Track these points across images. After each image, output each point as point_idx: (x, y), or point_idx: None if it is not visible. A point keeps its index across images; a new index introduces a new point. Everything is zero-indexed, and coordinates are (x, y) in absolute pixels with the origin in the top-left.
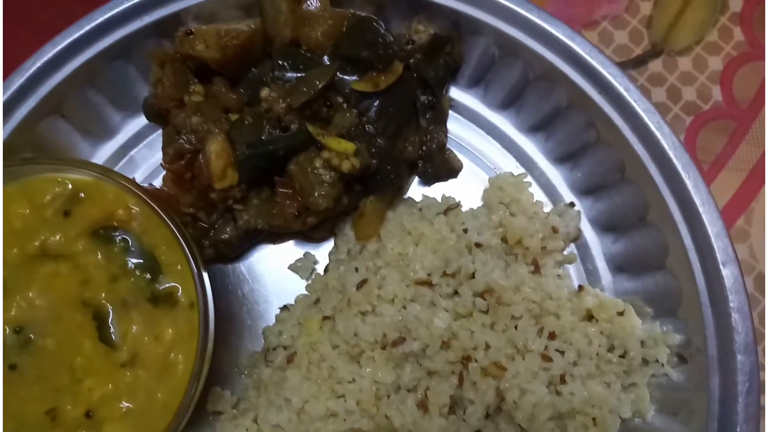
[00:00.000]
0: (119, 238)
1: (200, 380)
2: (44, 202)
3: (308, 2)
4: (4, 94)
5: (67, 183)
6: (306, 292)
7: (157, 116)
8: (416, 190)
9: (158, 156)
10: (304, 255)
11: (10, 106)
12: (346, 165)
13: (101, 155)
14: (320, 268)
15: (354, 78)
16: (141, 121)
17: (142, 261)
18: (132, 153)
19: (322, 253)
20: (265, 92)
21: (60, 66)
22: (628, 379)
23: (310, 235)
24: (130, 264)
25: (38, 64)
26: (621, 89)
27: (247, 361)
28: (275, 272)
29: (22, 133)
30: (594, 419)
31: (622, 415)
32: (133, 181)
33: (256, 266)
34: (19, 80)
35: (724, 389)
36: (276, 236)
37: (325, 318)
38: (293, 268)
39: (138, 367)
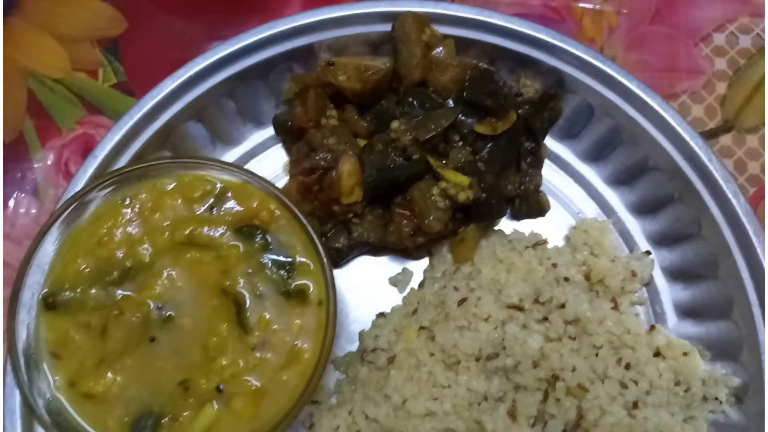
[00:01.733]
0: (259, 236)
1: (323, 369)
2: (194, 197)
3: (437, 50)
4: (157, 97)
5: (217, 182)
6: (401, 304)
7: (286, 132)
8: (504, 225)
9: (274, 167)
10: (403, 270)
11: (160, 107)
12: (462, 196)
13: (227, 159)
14: (414, 284)
15: (472, 120)
16: (264, 134)
17: (278, 259)
18: (252, 161)
19: (416, 269)
20: (395, 124)
21: (207, 78)
22: (689, 413)
23: (410, 253)
24: (267, 261)
25: (189, 74)
26: (704, 158)
27: (343, 360)
28: (373, 283)
29: (165, 131)
30: None
31: None
32: (275, 186)
33: (356, 275)
34: (171, 85)
35: None
36: (378, 250)
37: (422, 328)
38: (393, 280)
39: (268, 351)
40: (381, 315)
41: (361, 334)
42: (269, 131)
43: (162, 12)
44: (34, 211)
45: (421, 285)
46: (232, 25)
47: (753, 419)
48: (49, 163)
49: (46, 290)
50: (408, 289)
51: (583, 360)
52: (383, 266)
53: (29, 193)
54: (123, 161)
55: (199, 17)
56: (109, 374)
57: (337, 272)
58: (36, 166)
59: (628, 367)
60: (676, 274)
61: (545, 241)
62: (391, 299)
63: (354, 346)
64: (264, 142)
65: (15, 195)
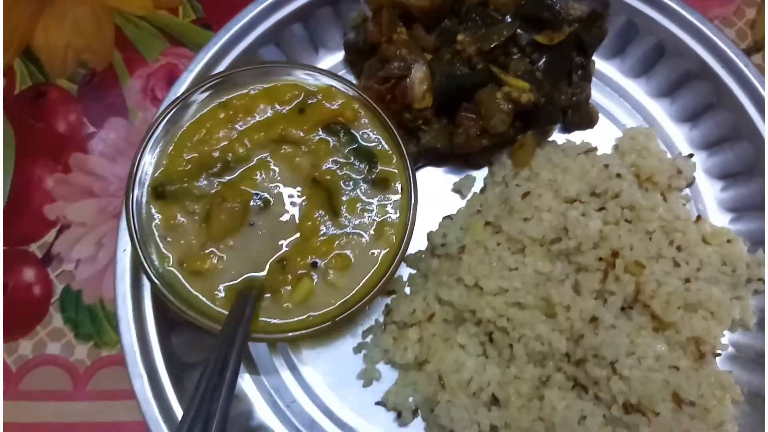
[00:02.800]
0: (345, 132)
1: (406, 247)
2: (284, 99)
3: None
4: (237, 24)
5: (303, 86)
6: (465, 207)
7: (356, 53)
8: (556, 138)
9: None
10: (465, 176)
11: (241, 34)
12: (524, 98)
13: None
14: (476, 190)
15: (529, 35)
16: (334, 59)
17: (362, 151)
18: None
19: (478, 177)
20: (461, 36)
21: (280, 8)
22: (735, 293)
23: (472, 161)
24: (352, 153)
25: (264, 5)
26: (742, 65)
27: (414, 257)
28: (437, 191)
29: (247, 54)
30: (712, 313)
31: (734, 316)
32: (357, 87)
33: (421, 183)
34: (247, 16)
35: None
36: (441, 160)
37: (487, 224)
38: (457, 185)
39: (357, 232)
40: (447, 217)
41: (430, 234)
42: (339, 56)
43: None
44: (123, 131)
45: (482, 190)
46: None
47: None
48: (137, 89)
49: (155, 181)
50: (471, 194)
51: (638, 241)
52: (446, 175)
53: (120, 115)
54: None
55: None
56: (214, 255)
57: None
58: (125, 92)
59: (679, 248)
60: (716, 176)
61: (595, 148)
62: (455, 205)
63: (423, 247)
64: (334, 67)
65: (108, 118)
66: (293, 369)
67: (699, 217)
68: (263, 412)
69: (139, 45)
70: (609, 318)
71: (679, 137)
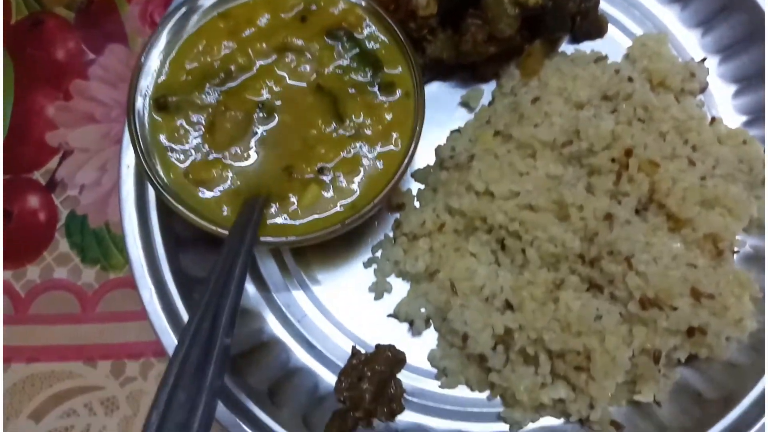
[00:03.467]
0: (348, 38)
1: (413, 152)
2: (286, 8)
3: None
4: None
5: None
6: (473, 119)
7: None
8: (566, 49)
9: None
10: (473, 88)
11: None
12: (532, 0)
13: None
14: (484, 103)
15: None
16: None
17: (367, 58)
18: None
19: (486, 90)
20: None
21: None
22: (753, 193)
23: (479, 72)
24: (357, 59)
25: None
26: None
27: (422, 171)
28: (444, 104)
29: None
30: (729, 210)
31: (751, 213)
32: None
33: (428, 97)
34: None
35: None
36: (448, 73)
37: (497, 133)
38: (465, 97)
39: (362, 140)
40: (455, 131)
41: (438, 147)
42: None
43: None
44: (122, 56)
45: (491, 102)
46: None
47: None
48: (135, 14)
49: (156, 92)
50: (479, 107)
51: (652, 141)
52: (453, 89)
53: (119, 41)
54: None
55: None
56: (219, 164)
57: None
58: (124, 18)
59: (694, 148)
60: (730, 80)
61: (606, 57)
62: (463, 118)
63: (431, 162)
64: None
65: (107, 44)
66: (304, 287)
67: (713, 119)
68: (275, 328)
69: None
70: (624, 214)
71: (692, 43)
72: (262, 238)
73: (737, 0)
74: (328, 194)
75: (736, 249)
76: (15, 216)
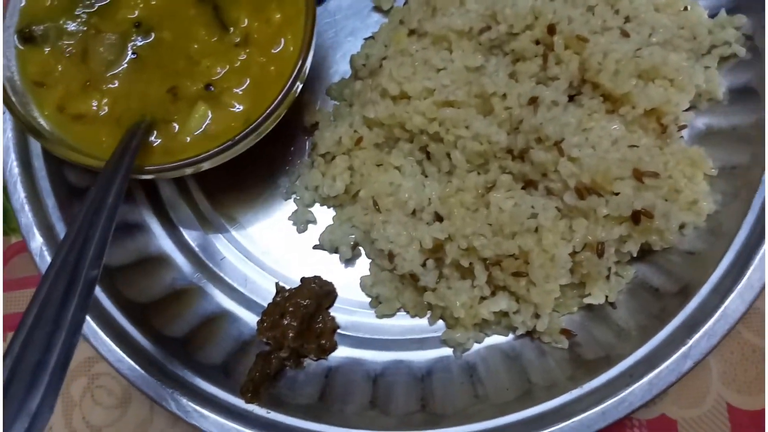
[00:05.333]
0: None
1: (306, 55)
2: None
3: None
4: None
5: None
6: (387, 22)
7: None
8: None
9: None
10: None
11: None
12: None
13: None
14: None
15: None
16: None
17: None
18: None
19: None
20: None
21: None
22: (700, 63)
23: None
24: None
25: None
26: None
27: (337, 86)
28: (358, 9)
29: None
30: (671, 81)
31: (697, 82)
32: None
33: (338, 7)
34: None
35: None
36: None
37: (411, 32)
38: (376, 3)
39: (251, 46)
40: (369, 38)
41: (352, 57)
42: None
43: None
44: None
45: (405, 2)
46: None
47: (764, 51)
48: None
49: (20, 23)
50: (392, 7)
51: (579, 15)
52: None
53: None
54: None
55: None
56: (96, 95)
57: (320, 8)
58: None
59: (627, 19)
60: None
61: None
62: (379, 23)
63: (347, 75)
64: None
65: None
66: (220, 227)
67: None
68: (189, 273)
69: None
70: (550, 95)
71: None
72: (147, 167)
73: None
74: (218, 114)
75: (683, 124)
76: None
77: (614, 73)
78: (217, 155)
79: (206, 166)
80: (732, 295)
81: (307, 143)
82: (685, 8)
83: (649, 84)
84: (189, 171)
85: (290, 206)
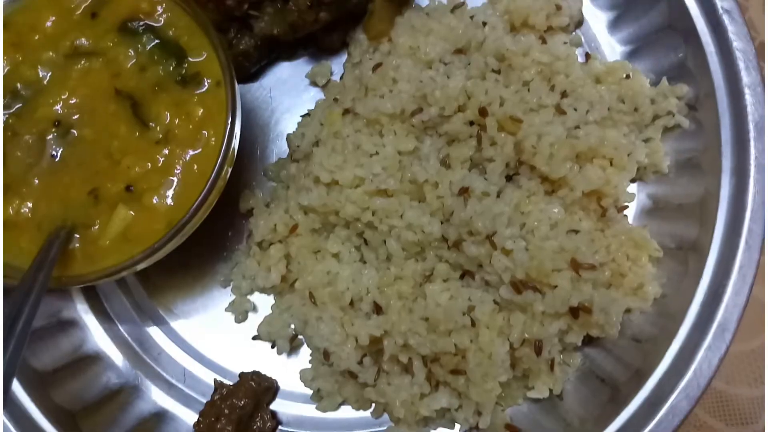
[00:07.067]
0: (144, 30)
1: (229, 151)
2: (71, 6)
3: None
4: None
5: None
6: (323, 100)
7: None
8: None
9: None
10: (319, 63)
11: None
12: None
13: None
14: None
15: None
16: None
17: (168, 49)
18: None
19: (337, 66)
20: None
21: None
22: (643, 135)
23: (323, 44)
24: (156, 53)
25: None
26: None
27: (274, 166)
28: (294, 85)
29: None
30: (610, 160)
31: (638, 158)
32: None
33: (274, 83)
34: None
35: (736, 131)
36: (291, 52)
37: (346, 112)
38: (310, 75)
39: (172, 144)
40: (306, 115)
41: (288, 137)
42: None
43: None
44: None
45: (342, 77)
46: None
47: (708, 122)
48: None
49: None
50: (328, 83)
51: (512, 94)
52: (302, 67)
53: None
54: None
55: None
56: (15, 199)
57: (256, 84)
58: None
59: (564, 94)
60: (606, 5)
61: (464, 3)
62: (315, 99)
63: (284, 154)
64: None
65: None
66: (158, 320)
67: (588, 56)
68: (125, 369)
69: None
70: (481, 186)
71: None
72: (65, 278)
73: None
74: (141, 217)
75: (624, 205)
76: None
77: (549, 156)
78: (139, 262)
79: (126, 273)
80: (686, 378)
81: (245, 226)
82: (627, 76)
83: (586, 165)
84: (109, 280)
85: (229, 294)
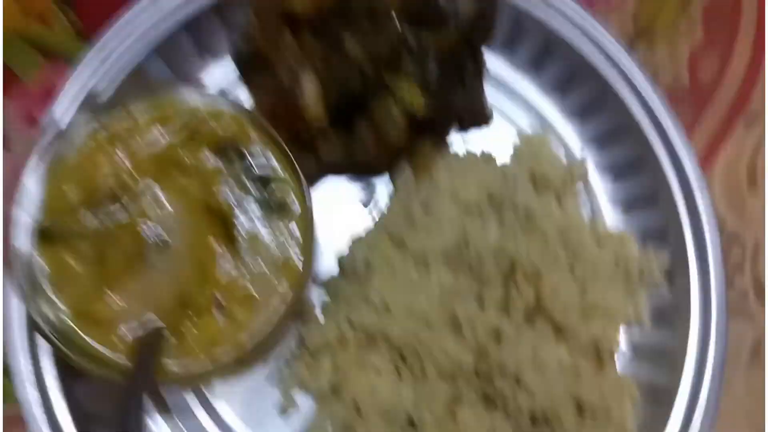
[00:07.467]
0: (238, 156)
1: (309, 275)
2: (172, 124)
3: None
4: (117, 35)
5: (192, 109)
6: (371, 221)
7: (245, 63)
8: (453, 137)
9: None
10: (368, 185)
11: (120, 45)
12: (417, 106)
13: None
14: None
15: (418, 37)
16: (222, 70)
17: (257, 176)
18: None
19: (380, 185)
20: (349, 41)
21: (165, 14)
22: (628, 291)
23: (373, 170)
24: (247, 178)
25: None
26: (625, 62)
27: (327, 283)
28: (341, 203)
29: (129, 68)
30: (608, 316)
31: (627, 314)
32: (246, 108)
33: (325, 199)
34: (130, 22)
35: (703, 289)
36: (342, 171)
37: (392, 239)
38: (360, 198)
39: (257, 262)
40: (355, 237)
41: (340, 259)
42: (226, 65)
43: None
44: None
45: (387, 201)
46: None
47: (680, 295)
48: (13, 113)
49: (38, 223)
50: (375, 206)
51: (536, 249)
52: (350, 186)
53: None
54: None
55: None
56: (110, 300)
57: None
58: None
59: (575, 253)
60: (607, 169)
61: (493, 157)
62: (361, 216)
63: (335, 271)
64: (222, 77)
65: None
66: (207, 406)
67: (592, 219)
68: None
69: (11, 63)
70: (512, 330)
71: (571, 131)
72: (160, 381)
73: (609, 96)
74: (226, 326)
75: (614, 354)
76: None
77: (563, 309)
78: (228, 371)
79: (215, 378)
80: None
81: (294, 332)
82: (621, 242)
83: (590, 319)
84: (197, 383)
85: (275, 389)
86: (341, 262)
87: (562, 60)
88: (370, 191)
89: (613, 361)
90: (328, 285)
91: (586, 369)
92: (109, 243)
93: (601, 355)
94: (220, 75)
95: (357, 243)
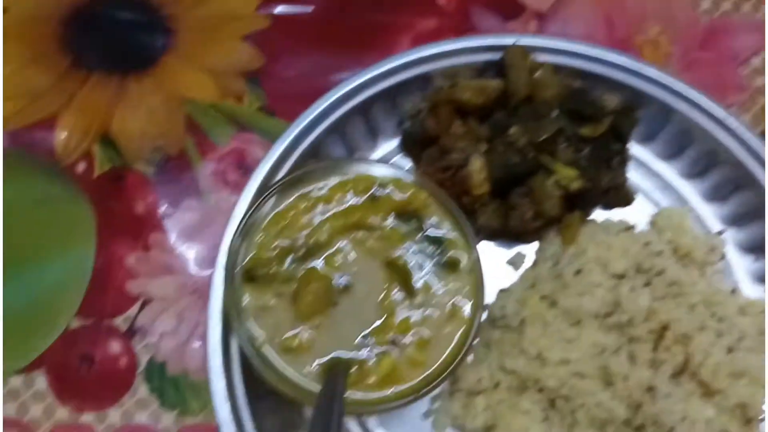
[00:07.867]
0: (415, 219)
1: (478, 324)
2: (360, 189)
3: (537, 73)
4: (306, 118)
5: (376, 178)
6: (518, 281)
7: (413, 142)
8: (596, 214)
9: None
10: (517, 252)
11: (309, 127)
12: (575, 185)
13: None
14: (526, 265)
15: (573, 127)
16: (389, 146)
17: (432, 237)
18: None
19: (527, 252)
20: (513, 129)
21: (346, 101)
22: None
23: (523, 237)
24: (423, 238)
25: (332, 99)
26: (757, 148)
27: (481, 333)
28: (491, 263)
29: (314, 144)
30: (755, 380)
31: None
32: (422, 178)
33: None
34: (318, 108)
35: None
36: (494, 236)
37: (543, 297)
38: (510, 261)
39: (431, 310)
40: (503, 290)
41: (489, 306)
42: (393, 143)
43: (294, 49)
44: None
45: (534, 264)
46: (352, 58)
47: None
48: (208, 172)
49: (246, 267)
50: (523, 268)
51: (684, 314)
52: (499, 249)
53: (194, 197)
54: (281, 173)
55: (324, 53)
56: (303, 333)
57: None
58: (198, 175)
59: (721, 320)
60: (747, 248)
61: (633, 226)
62: (508, 276)
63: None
64: (390, 152)
65: (183, 199)
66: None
67: (734, 290)
68: None
69: (208, 131)
70: (664, 387)
71: (710, 214)
72: (347, 410)
73: (745, 180)
74: (402, 365)
75: (761, 417)
76: (97, 361)
77: (713, 371)
78: (403, 404)
79: (393, 409)
80: None
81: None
82: (762, 311)
83: (738, 382)
84: (375, 412)
85: (427, 424)
86: (490, 310)
87: (699, 148)
88: (519, 254)
89: (762, 425)
90: (479, 331)
91: (734, 428)
92: (304, 286)
93: (748, 417)
94: (386, 150)
95: (505, 295)
